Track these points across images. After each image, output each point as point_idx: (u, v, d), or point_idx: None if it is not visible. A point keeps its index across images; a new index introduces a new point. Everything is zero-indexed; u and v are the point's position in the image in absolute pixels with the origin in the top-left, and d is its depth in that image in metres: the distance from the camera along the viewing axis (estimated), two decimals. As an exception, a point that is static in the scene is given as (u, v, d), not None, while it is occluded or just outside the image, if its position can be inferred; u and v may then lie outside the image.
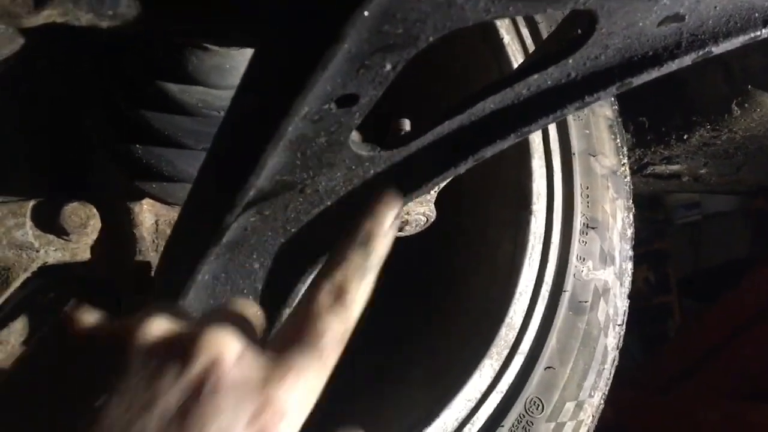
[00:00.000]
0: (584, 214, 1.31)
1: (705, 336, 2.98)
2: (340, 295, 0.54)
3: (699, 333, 3.09)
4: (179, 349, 0.45)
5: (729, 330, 2.83)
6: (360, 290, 0.56)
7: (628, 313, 1.35)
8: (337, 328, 0.52)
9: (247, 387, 0.44)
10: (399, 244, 1.29)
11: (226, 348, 0.46)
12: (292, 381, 0.47)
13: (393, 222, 0.62)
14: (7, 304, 1.09)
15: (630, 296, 1.36)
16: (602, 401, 1.26)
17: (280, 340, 0.52)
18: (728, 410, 2.63)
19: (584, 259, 1.29)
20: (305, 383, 0.48)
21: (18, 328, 1.09)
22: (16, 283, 1.05)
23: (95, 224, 1.10)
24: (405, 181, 0.79)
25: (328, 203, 0.79)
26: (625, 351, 1.33)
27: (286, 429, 0.45)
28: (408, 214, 1.22)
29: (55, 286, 1.15)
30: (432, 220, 1.24)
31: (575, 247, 1.29)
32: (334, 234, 0.85)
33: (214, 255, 0.76)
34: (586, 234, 1.31)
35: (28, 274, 1.06)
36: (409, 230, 1.28)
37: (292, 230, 0.81)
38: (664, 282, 4.09)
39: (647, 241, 4.18)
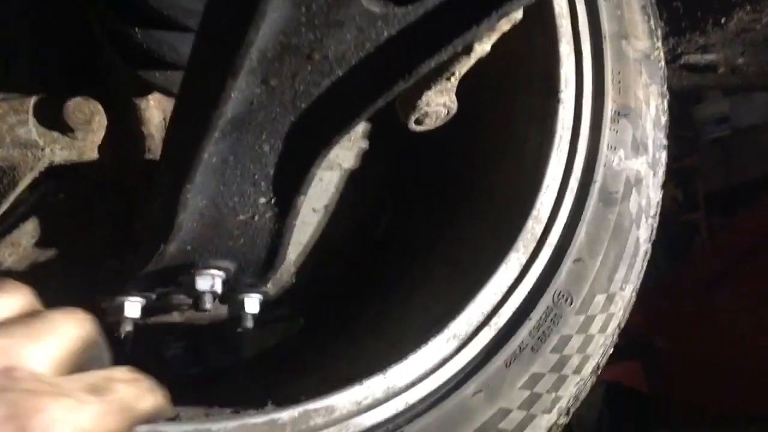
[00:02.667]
0: (615, 101, 1.23)
1: (739, 240, 2.90)
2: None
3: (733, 237, 3.02)
4: None
5: (765, 233, 2.75)
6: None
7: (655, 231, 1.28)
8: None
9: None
10: (421, 138, 1.24)
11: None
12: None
13: None
14: (18, 206, 1.07)
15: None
16: (634, 295, 1.21)
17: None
18: (762, 315, 2.58)
19: (615, 149, 1.23)
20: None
21: (29, 230, 1.07)
22: (24, 183, 1.02)
23: (100, 121, 1.05)
24: (421, 46, 0.73)
25: (339, 73, 0.73)
26: (653, 267, 1.27)
27: None
28: (428, 105, 1.16)
29: (65, 188, 1.11)
30: (453, 111, 1.17)
31: (606, 136, 1.22)
32: (346, 111, 0.80)
33: (219, 131, 0.71)
34: (618, 122, 1.24)
35: (35, 173, 1.02)
36: (429, 124, 1.22)
37: (302, 106, 0.76)
38: (692, 199, 4.02)
39: (676, 159, 4.08)
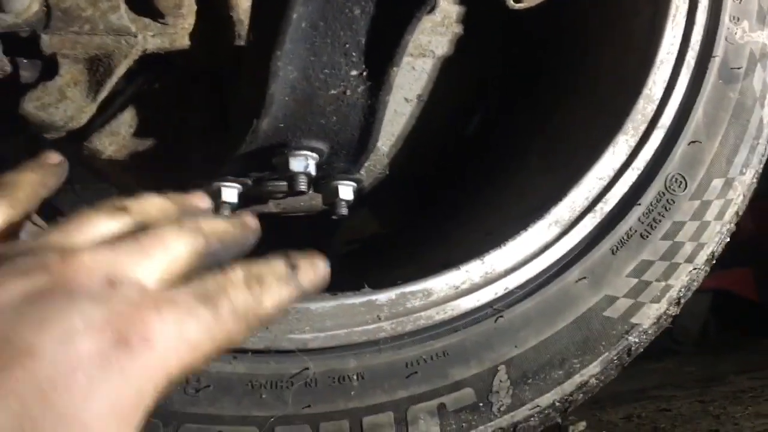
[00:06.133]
0: (740, -35, 1.11)
1: None
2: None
3: None
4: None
5: None
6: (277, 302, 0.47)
7: None
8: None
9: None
10: (519, 20, 1.16)
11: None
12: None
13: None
14: (116, 96, 1.08)
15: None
16: (755, 180, 1.12)
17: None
18: None
19: (738, 20, 1.11)
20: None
21: (127, 119, 1.08)
22: (119, 71, 1.01)
23: (190, 5, 1.03)
24: None
25: None
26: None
27: None
28: (527, -21, 1.08)
29: (159, 78, 1.11)
30: (555, -15, 1.09)
31: (728, 6, 1.11)
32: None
33: (306, -12, 0.68)
34: (742, -11, 1.11)
35: (129, 62, 1.02)
36: (529, -1, 1.14)
37: (395, -39, 0.71)
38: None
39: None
